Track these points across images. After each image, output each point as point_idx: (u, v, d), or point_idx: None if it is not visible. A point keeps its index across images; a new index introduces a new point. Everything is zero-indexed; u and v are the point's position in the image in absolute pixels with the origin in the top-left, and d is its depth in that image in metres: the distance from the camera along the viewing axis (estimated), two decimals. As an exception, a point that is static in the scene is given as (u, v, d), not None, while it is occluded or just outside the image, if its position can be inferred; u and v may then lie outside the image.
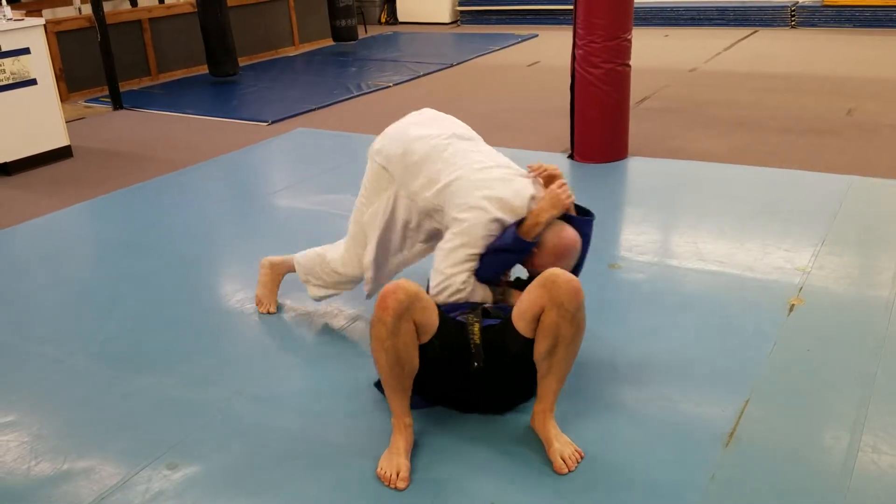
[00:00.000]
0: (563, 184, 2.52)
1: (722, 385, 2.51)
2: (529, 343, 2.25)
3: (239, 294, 3.29)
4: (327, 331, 2.98)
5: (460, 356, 2.29)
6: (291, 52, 9.57)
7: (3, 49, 4.92)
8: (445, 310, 2.38)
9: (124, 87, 7.67)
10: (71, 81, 7.42)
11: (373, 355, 2.20)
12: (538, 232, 2.44)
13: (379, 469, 2.17)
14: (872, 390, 2.43)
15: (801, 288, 3.07)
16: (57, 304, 3.30)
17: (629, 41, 4.63)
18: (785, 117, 5.67)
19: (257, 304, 3.12)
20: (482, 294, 2.52)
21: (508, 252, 2.47)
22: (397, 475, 2.13)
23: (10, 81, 4.99)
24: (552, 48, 8.76)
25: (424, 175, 2.55)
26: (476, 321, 2.34)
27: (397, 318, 2.12)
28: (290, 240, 3.84)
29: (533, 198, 2.48)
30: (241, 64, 8.68)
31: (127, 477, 2.19)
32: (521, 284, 2.69)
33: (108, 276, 3.57)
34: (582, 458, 2.18)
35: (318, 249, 2.93)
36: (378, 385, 2.47)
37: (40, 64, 5.16)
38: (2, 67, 4.93)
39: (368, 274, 2.71)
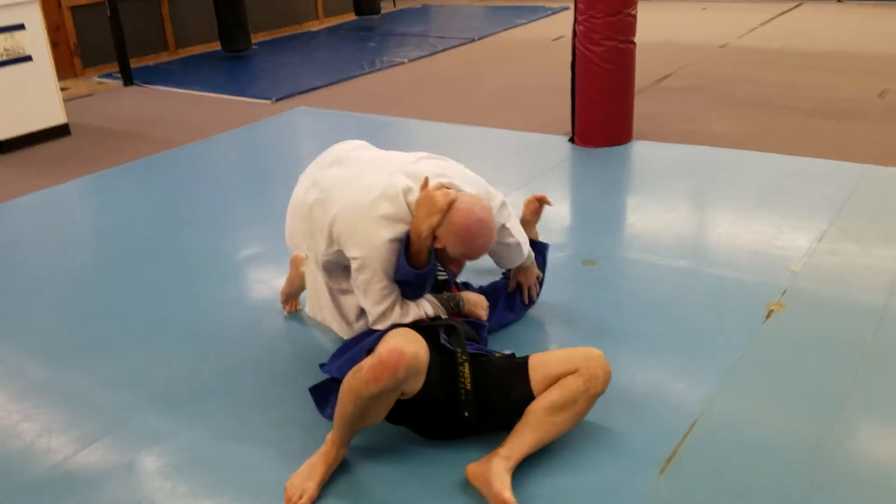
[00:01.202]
0: (441, 185, 2.22)
1: (672, 402, 2.28)
2: (531, 397, 2.07)
3: (212, 282, 3.17)
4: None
5: (447, 405, 2.08)
6: (315, 26, 9.42)
7: (-5, 25, 4.87)
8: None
9: (141, 62, 7.64)
10: (86, 56, 7.40)
11: (340, 396, 1.98)
12: (427, 247, 2.18)
13: (288, 483, 2.00)
14: (840, 414, 2.17)
15: (786, 291, 2.81)
16: (21, 285, 3.23)
17: (633, 16, 4.33)
18: (812, 98, 5.30)
19: (282, 302, 2.93)
20: (430, 308, 2.30)
21: (415, 283, 2.25)
22: (299, 497, 1.95)
23: (4, 58, 4.94)
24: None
25: (309, 236, 2.35)
26: (465, 360, 2.11)
27: (386, 390, 1.91)
28: (264, 229, 3.72)
29: (408, 190, 2.22)
30: (260, 39, 8.59)
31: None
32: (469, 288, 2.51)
33: (80, 259, 3.49)
34: None
35: None
36: (314, 390, 2.31)
37: (36, 40, 5.09)
38: (-6, 44, 4.88)
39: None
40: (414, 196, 2.20)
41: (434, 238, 2.17)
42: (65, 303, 3.10)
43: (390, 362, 1.89)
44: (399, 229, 2.18)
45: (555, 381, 2.08)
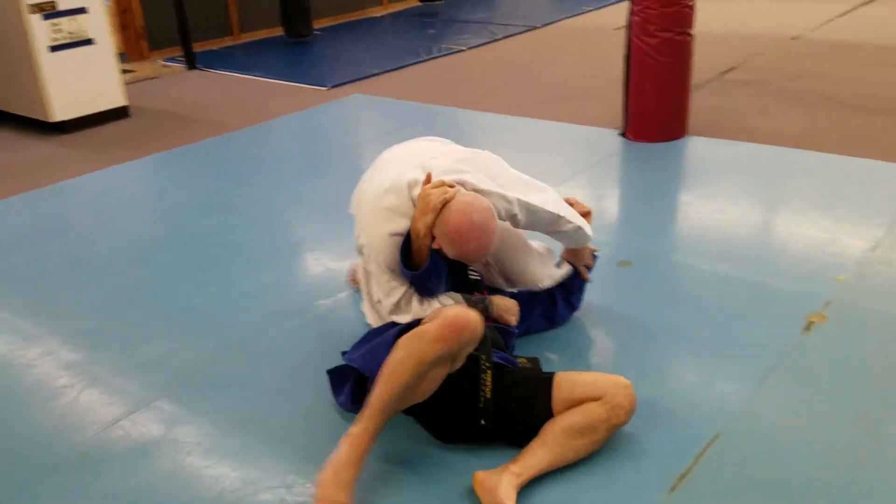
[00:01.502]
0: (441, 182, 2.15)
1: (694, 414, 2.17)
2: (550, 415, 2.02)
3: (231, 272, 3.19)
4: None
5: (464, 409, 2.04)
6: (378, 12, 9.41)
7: (60, 8, 4.99)
8: None
9: (206, 46, 7.76)
10: (153, 40, 7.55)
11: (389, 371, 1.91)
12: (425, 245, 2.13)
13: (321, 494, 1.86)
14: (873, 441, 2.04)
15: (829, 302, 2.66)
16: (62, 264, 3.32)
17: (690, 7, 4.17)
18: (882, 96, 5.02)
19: (352, 280, 2.93)
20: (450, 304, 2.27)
21: (420, 281, 2.20)
22: None
23: (67, 41, 5.07)
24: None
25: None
26: (488, 367, 2.06)
27: (450, 352, 1.88)
28: (308, 216, 3.74)
29: (414, 184, 2.17)
30: (323, 25, 8.63)
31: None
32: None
33: (126, 239, 3.56)
34: None
35: None
36: (332, 373, 2.29)
37: (97, 23, 5.21)
38: (58, 27, 5.01)
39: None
40: (418, 191, 2.16)
41: (433, 237, 2.12)
42: (106, 282, 3.16)
43: (458, 323, 1.88)
44: (401, 224, 2.14)
45: (577, 404, 2.02)
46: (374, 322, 2.46)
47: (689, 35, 4.23)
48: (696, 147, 4.31)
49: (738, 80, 5.65)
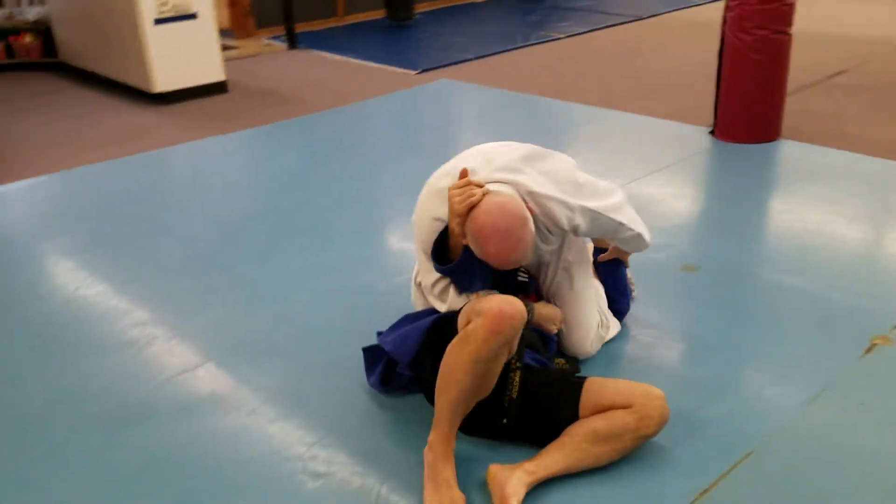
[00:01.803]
0: (467, 182, 2.05)
1: (730, 429, 2.08)
2: (576, 417, 1.99)
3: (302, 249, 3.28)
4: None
5: (488, 405, 2.02)
6: (484, -4, 9.39)
7: (167, -16, 5.22)
8: None
9: (310, 27, 7.95)
10: (260, 18, 7.79)
11: (446, 380, 1.90)
12: (458, 245, 2.07)
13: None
14: (928, 474, 1.91)
15: (900, 326, 2.50)
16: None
17: (790, 5, 3.96)
18: None
19: None
20: None
21: (453, 275, 2.17)
22: None
23: (172, 14, 5.30)
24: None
25: None
26: (518, 367, 2.04)
27: (505, 342, 1.89)
28: (368, 203, 3.79)
29: (471, 172, 2.10)
30: (426, 8, 8.68)
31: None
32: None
33: (208, 208, 3.72)
34: None
35: None
36: (367, 350, 2.31)
37: (202, -1, 5.42)
38: (164, 0, 5.23)
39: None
40: (473, 178, 2.11)
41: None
42: (179, 250, 3.30)
43: (505, 313, 1.86)
44: (446, 211, 2.09)
45: (605, 410, 1.97)
46: (416, 300, 2.47)
47: (787, 34, 4.03)
48: (788, 151, 4.11)
49: (846, 84, 5.34)
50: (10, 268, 3.22)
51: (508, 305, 1.88)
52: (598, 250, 2.63)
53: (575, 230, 2.20)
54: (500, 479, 1.87)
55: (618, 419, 1.94)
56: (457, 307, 2.17)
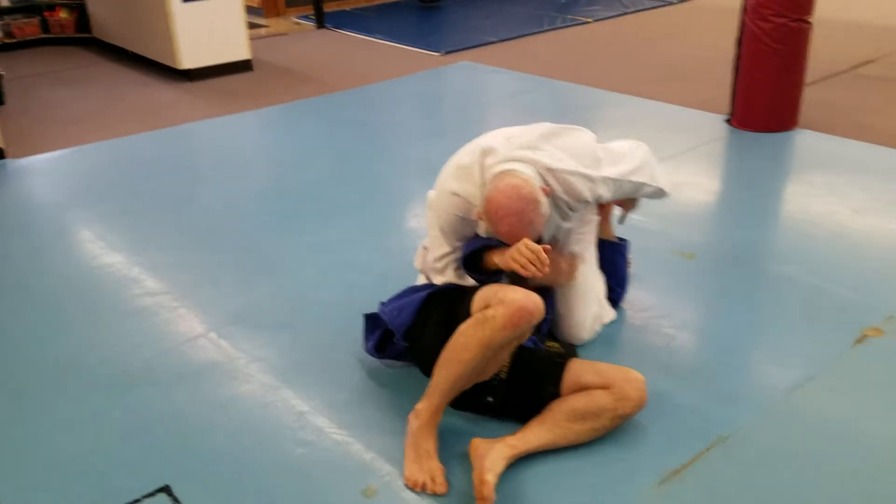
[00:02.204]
0: (536, 251, 2.03)
1: (709, 413, 2.12)
2: (558, 394, 2.06)
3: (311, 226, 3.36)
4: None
5: (478, 384, 2.07)
6: (514, -21, 9.34)
7: (194, -38, 5.31)
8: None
9: (341, 6, 8.01)
10: (290, -3, 7.87)
11: (453, 354, 1.95)
12: (492, 263, 2.15)
13: (408, 474, 1.93)
14: (888, 473, 1.93)
15: (892, 317, 2.49)
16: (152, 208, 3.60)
17: (811, -8, 3.93)
18: None
19: None
20: None
21: (468, 269, 2.25)
22: (433, 480, 1.91)
23: (199, -7, 5.40)
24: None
25: None
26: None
27: (518, 335, 1.96)
28: (382, 182, 3.85)
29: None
30: (454, -11, 8.67)
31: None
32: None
33: (224, 184, 3.82)
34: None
35: None
36: (368, 317, 2.38)
37: (229, -22, 5.50)
38: (191, -20, 5.33)
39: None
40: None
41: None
42: (195, 222, 3.40)
43: (527, 308, 1.92)
44: (465, 188, 2.17)
45: (585, 389, 2.03)
46: (419, 264, 2.54)
47: (807, 22, 3.99)
48: (803, 141, 4.08)
49: (871, 74, 5.26)
50: (32, 237, 3.35)
51: (530, 301, 1.93)
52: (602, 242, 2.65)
53: (598, 200, 2.26)
54: (480, 451, 1.93)
55: (597, 398, 2.00)
56: (455, 281, 2.26)
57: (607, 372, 2.06)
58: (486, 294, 2.02)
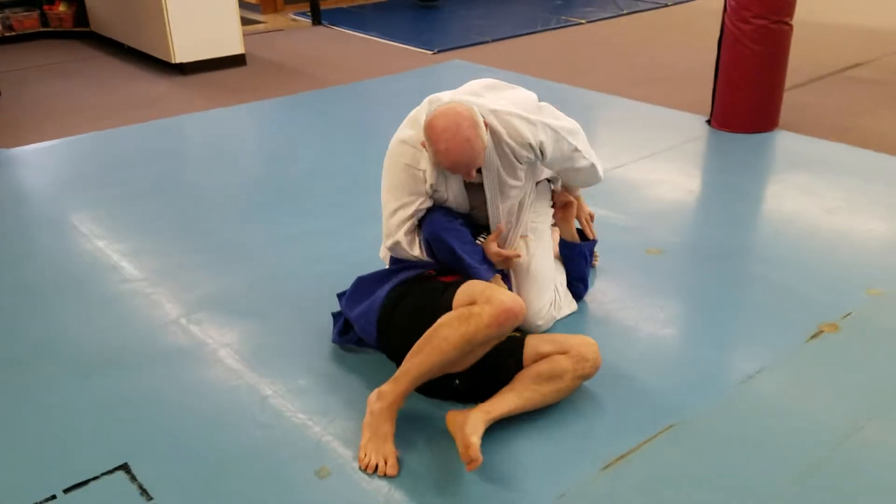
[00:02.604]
0: (507, 255, 2.35)
1: (658, 402, 2.17)
2: (521, 367, 2.13)
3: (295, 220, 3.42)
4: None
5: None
6: (514, -20, 9.39)
7: (189, -42, 5.37)
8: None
9: (337, 3, 8.06)
10: (288, -6, 7.93)
11: (433, 344, 2.00)
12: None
13: (362, 454, 1.98)
14: (827, 466, 1.97)
15: (850, 314, 2.53)
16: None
17: (792, -6, 3.97)
18: None
19: None
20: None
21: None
22: (385, 462, 1.95)
23: (193, -12, 5.45)
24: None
25: None
26: None
27: (501, 335, 2.04)
28: (361, 177, 3.89)
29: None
30: (453, -11, 8.72)
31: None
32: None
33: (217, 174, 3.87)
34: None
35: None
36: (336, 314, 2.45)
37: (223, -26, 5.56)
38: (186, -25, 5.39)
39: None
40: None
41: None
42: (177, 210, 3.46)
43: (514, 310, 2.00)
44: (412, 134, 2.28)
45: (544, 357, 2.11)
46: (383, 254, 2.58)
47: (788, 24, 4.03)
48: (782, 142, 4.12)
49: (860, 77, 5.29)
50: (16, 225, 3.41)
51: (516, 304, 2.01)
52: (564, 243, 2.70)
53: (541, 148, 2.30)
54: (458, 420, 1.96)
55: (558, 362, 2.09)
56: (409, 250, 2.36)
57: (563, 339, 2.15)
58: (472, 290, 2.09)
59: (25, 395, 2.30)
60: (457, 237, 2.31)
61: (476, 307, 2.00)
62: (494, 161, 2.29)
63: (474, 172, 2.23)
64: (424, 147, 2.22)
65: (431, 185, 2.30)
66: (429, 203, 2.35)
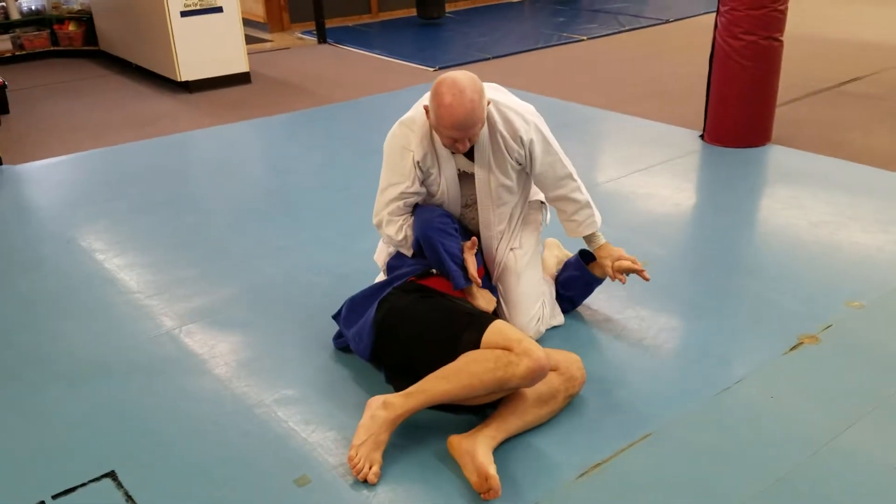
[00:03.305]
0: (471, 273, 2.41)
1: (635, 411, 2.20)
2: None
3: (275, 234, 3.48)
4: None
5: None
6: (519, -3, 9.50)
7: (194, -22, 5.49)
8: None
9: (344, 22, 8.18)
10: (294, 13, 8.05)
11: (470, 375, 2.02)
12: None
13: (353, 452, 2.01)
14: (798, 477, 2.00)
15: (830, 326, 2.56)
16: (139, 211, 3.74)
17: (781, 11, 4.01)
18: None
19: None
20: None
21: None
22: (370, 468, 1.99)
23: (198, 7, 5.56)
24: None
25: None
26: None
27: (531, 385, 2.07)
28: (356, 191, 3.96)
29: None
30: (460, 7, 8.84)
31: (65, 370, 2.51)
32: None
33: (204, 188, 3.96)
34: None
35: None
36: (338, 317, 2.51)
37: (227, -7, 5.68)
38: (191, -6, 5.51)
39: None
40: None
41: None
42: (175, 224, 3.54)
43: (547, 368, 2.06)
44: (412, 115, 2.38)
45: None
46: (377, 256, 2.69)
47: (778, 40, 4.07)
48: (773, 157, 4.16)
49: (856, 92, 5.32)
50: (17, 239, 3.50)
51: (548, 362, 2.06)
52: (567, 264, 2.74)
53: (530, 148, 2.37)
54: (465, 447, 1.98)
55: (551, 381, 2.13)
56: (393, 237, 2.46)
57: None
58: (508, 336, 2.09)
59: (17, 402, 2.36)
60: (444, 239, 2.37)
61: (513, 356, 2.03)
62: (487, 148, 2.36)
63: (468, 143, 2.26)
64: (427, 112, 2.28)
65: (419, 164, 2.37)
66: (418, 188, 2.42)
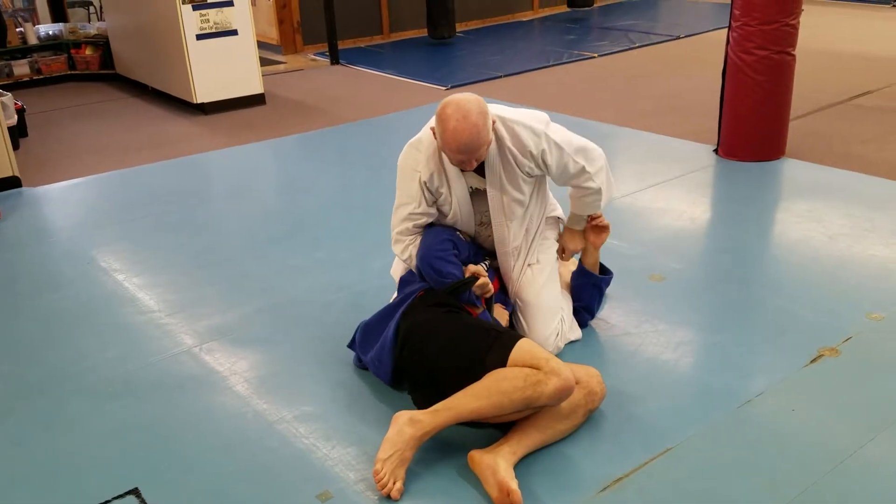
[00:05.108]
0: (488, 289, 2.41)
1: (657, 424, 2.20)
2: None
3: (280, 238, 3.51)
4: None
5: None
6: (527, 16, 9.56)
7: (209, 0, 5.56)
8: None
9: (356, 43, 8.26)
10: (307, 35, 8.13)
11: (500, 393, 2.02)
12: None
13: (378, 465, 2.00)
14: (811, 495, 1.99)
15: (850, 338, 2.55)
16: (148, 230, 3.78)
17: (793, 26, 4.03)
18: None
19: None
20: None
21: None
22: (394, 484, 1.98)
23: (213, 30, 5.64)
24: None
25: None
26: None
27: (557, 404, 2.09)
28: (371, 210, 3.99)
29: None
30: (470, 27, 8.91)
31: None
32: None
33: (227, 208, 4.00)
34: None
35: None
36: (353, 345, 2.53)
37: (242, 16, 5.74)
38: (206, 17, 5.58)
39: None
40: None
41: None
42: (192, 244, 3.57)
43: (572, 388, 2.06)
44: (422, 136, 2.42)
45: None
46: (394, 271, 2.72)
47: (790, 55, 4.09)
48: (788, 170, 4.16)
49: (869, 105, 5.32)
50: (40, 259, 3.54)
51: (573, 382, 2.06)
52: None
53: (543, 158, 2.38)
54: (486, 462, 1.98)
55: (573, 396, 2.10)
56: (400, 256, 2.52)
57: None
58: (536, 355, 2.09)
59: (43, 418, 2.39)
60: (443, 267, 2.39)
61: (542, 375, 2.03)
62: (497, 165, 2.37)
63: (474, 163, 2.28)
64: (434, 133, 2.31)
65: (426, 184, 2.40)
66: (426, 209, 2.45)
